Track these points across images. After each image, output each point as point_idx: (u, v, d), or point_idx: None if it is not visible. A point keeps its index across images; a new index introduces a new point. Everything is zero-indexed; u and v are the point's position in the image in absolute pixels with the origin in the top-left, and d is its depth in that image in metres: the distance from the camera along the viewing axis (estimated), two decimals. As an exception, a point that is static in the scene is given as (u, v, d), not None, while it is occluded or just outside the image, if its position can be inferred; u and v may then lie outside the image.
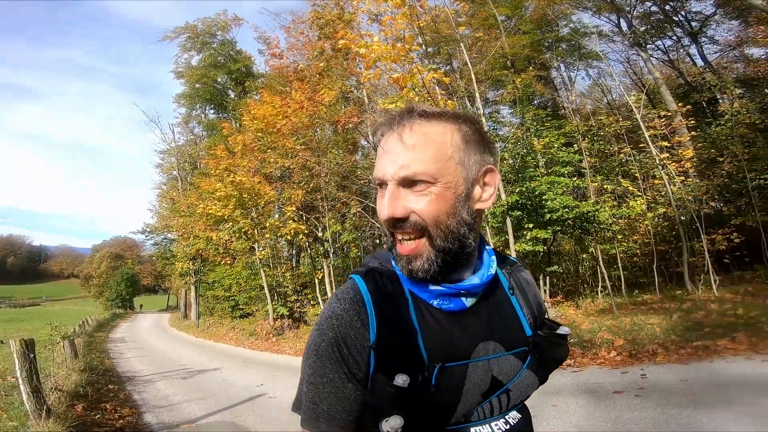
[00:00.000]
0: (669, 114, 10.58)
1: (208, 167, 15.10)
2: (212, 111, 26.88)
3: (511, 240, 8.30)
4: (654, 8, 15.61)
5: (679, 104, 11.68)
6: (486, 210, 0.75)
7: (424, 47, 8.20)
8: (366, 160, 14.30)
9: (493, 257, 0.79)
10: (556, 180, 8.58)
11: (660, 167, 9.65)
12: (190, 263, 21.25)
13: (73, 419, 4.17)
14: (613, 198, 10.25)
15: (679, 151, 10.31)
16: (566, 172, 9.07)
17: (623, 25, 16.00)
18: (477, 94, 9.15)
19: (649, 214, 9.61)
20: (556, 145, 9.47)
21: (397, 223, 0.68)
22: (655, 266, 9.39)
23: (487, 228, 9.26)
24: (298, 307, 13.75)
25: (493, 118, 16.57)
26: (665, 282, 10.01)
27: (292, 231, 12.08)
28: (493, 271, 0.76)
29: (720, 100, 12.33)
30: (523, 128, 10.28)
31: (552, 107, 17.45)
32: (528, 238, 8.42)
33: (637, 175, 10.12)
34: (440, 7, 9.63)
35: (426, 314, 0.71)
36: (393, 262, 0.74)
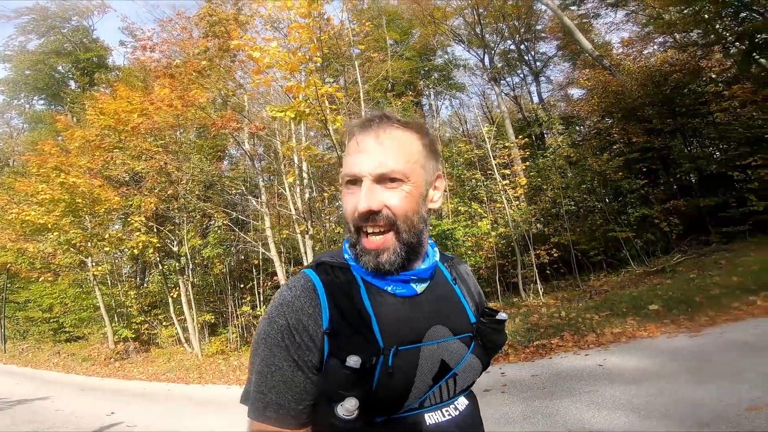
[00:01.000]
0: (509, 145, 12.47)
1: (29, 164, 12.41)
2: (42, 102, 22.64)
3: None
4: (512, 47, 18.57)
5: (519, 137, 13.94)
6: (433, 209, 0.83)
7: (320, 61, 8.30)
8: (235, 170, 13.49)
9: (436, 249, 0.85)
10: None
11: (501, 192, 11.31)
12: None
13: None
14: (466, 218, 11.60)
15: (516, 178, 12.25)
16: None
17: (486, 60, 18.67)
18: (363, 113, 9.52)
19: (493, 233, 11.10)
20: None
21: (370, 216, 0.71)
22: (497, 277, 10.83)
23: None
24: (147, 329, 12.05)
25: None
26: (505, 291, 11.61)
27: (140, 244, 10.57)
28: (437, 258, 0.83)
29: (547, 135, 15.07)
30: None
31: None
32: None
33: (484, 198, 11.64)
34: (343, 23, 9.83)
35: (379, 300, 0.74)
36: (347, 256, 0.78)
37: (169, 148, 10.29)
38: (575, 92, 18.48)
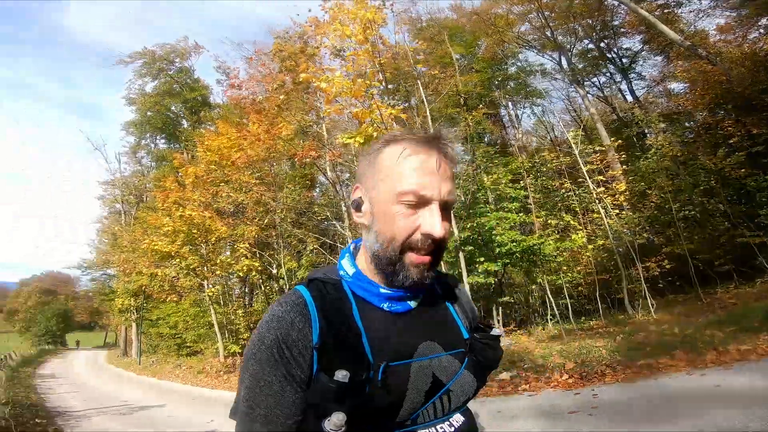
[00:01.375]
0: (603, 149, 11.47)
1: (156, 200, 14.47)
2: (163, 141, 26.03)
3: (464, 273, 8.58)
4: (591, 45, 17.21)
5: (612, 139, 12.75)
6: None
7: (384, 84, 8.54)
8: (324, 197, 14.25)
9: None
10: (505, 215, 9.06)
11: (597, 201, 10.44)
12: (132, 299, 19.99)
13: None
14: (556, 232, 10.91)
15: (613, 184, 11.20)
16: (513, 207, 9.60)
17: (564, 62, 17.51)
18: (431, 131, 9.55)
19: (590, 246, 10.28)
20: (504, 182, 10.02)
21: (429, 241, 0.71)
22: (597, 294, 9.99)
23: (441, 263, 9.55)
24: (252, 345, 13.29)
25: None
26: (608, 308, 10.64)
27: (244, 268, 11.73)
28: (433, 276, 0.81)
29: (647, 135, 13.61)
30: (473, 165, 10.80)
31: (501, 145, 18.50)
32: (480, 270, 8.74)
33: (578, 209, 10.84)
34: (401, 44, 10.03)
35: (370, 315, 0.74)
36: (342, 273, 0.79)
37: (264, 180, 11.25)
38: (675, 86, 16.35)
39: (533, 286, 10.89)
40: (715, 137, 10.61)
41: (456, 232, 8.80)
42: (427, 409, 0.75)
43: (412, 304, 0.78)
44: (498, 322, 9.53)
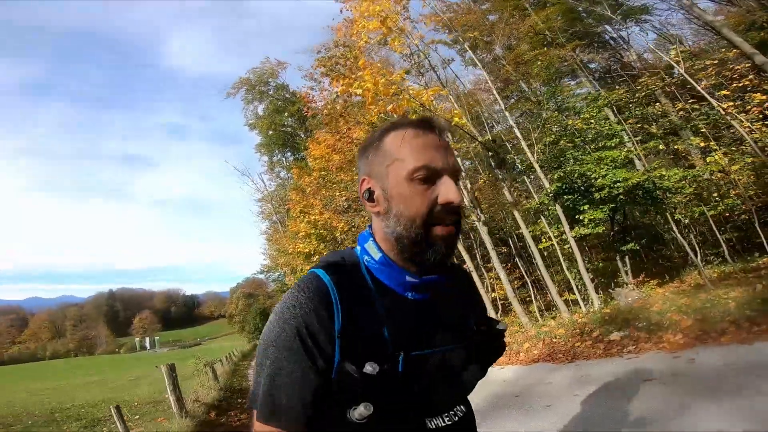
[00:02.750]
0: (730, 55, 9.11)
1: (291, 210, 16.98)
2: (289, 154, 29.22)
3: (566, 227, 8.12)
4: None
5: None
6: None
7: (418, 67, 8.62)
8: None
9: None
10: (604, 155, 8.15)
11: (730, 115, 8.44)
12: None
13: (204, 421, 5.58)
14: (672, 160, 9.22)
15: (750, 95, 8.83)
16: (613, 144, 8.53)
17: None
18: (498, 98, 9.12)
19: (734, 167, 8.45)
20: (595, 118, 8.93)
21: (452, 210, 0.72)
22: (757, 224, 8.22)
23: (543, 219, 9.12)
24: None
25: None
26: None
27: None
28: (449, 267, 0.83)
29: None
30: (549, 110, 9.79)
31: (617, 69, 15.88)
32: (586, 221, 8.11)
33: (704, 129, 8.98)
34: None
35: (390, 303, 0.74)
36: (367, 258, 0.78)
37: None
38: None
39: (667, 227, 9.50)
40: None
41: (546, 184, 8.33)
42: (437, 399, 0.76)
43: (430, 293, 0.78)
44: (626, 273, 8.69)
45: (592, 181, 7.90)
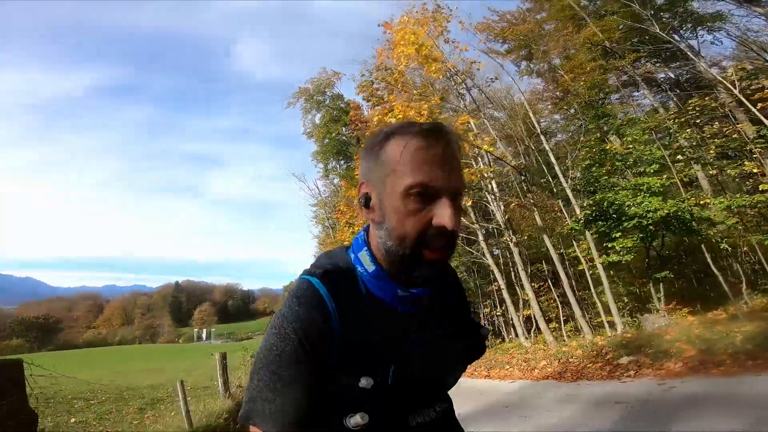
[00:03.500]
0: None
1: (339, 220, 18.27)
2: (343, 162, 30.45)
3: (595, 254, 8.44)
4: None
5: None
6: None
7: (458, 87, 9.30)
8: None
9: None
10: (640, 182, 8.36)
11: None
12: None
13: (241, 402, 6.73)
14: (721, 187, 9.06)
15: None
16: (652, 170, 8.68)
17: None
18: (534, 122, 9.62)
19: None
20: (637, 142, 9.09)
21: (447, 235, 0.69)
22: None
23: (575, 243, 9.46)
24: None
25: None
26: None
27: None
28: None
29: None
30: (588, 135, 10.02)
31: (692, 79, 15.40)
32: (618, 248, 8.36)
33: (756, 151, 8.83)
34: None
35: (383, 316, 0.76)
36: (360, 269, 0.78)
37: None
38: None
39: (712, 255, 9.41)
40: None
41: (578, 210, 8.69)
42: (419, 398, 0.80)
43: (420, 303, 0.79)
44: (659, 300, 8.79)
45: (625, 209, 8.16)
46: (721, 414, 3.57)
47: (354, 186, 17.46)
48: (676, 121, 9.95)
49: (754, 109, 8.98)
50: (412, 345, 0.78)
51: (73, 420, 6.60)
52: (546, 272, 11.61)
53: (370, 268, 0.77)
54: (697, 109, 10.20)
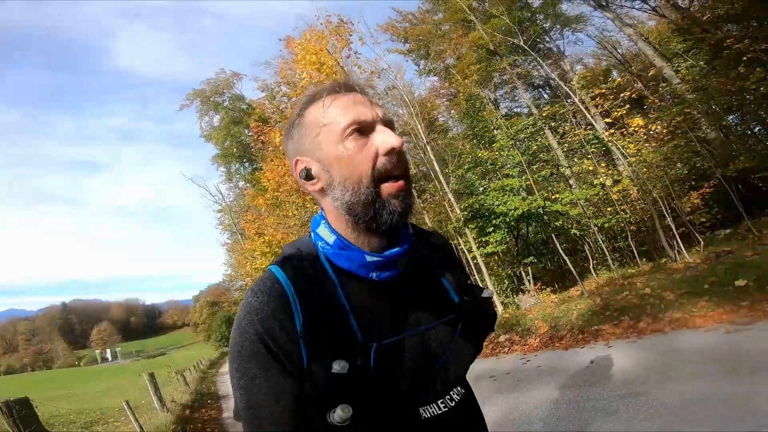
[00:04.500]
0: (611, 88, 11.29)
1: (247, 230, 18.48)
2: (248, 164, 29.97)
3: (474, 246, 10.14)
4: None
5: (618, 78, 12.24)
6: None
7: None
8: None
9: (409, 224, 0.80)
10: (505, 184, 10.20)
11: (610, 141, 10.66)
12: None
13: (180, 417, 7.27)
14: (565, 184, 11.38)
15: (629, 120, 10.85)
16: (515, 172, 10.60)
17: None
18: (419, 129, 11.04)
19: (614, 188, 10.65)
20: (502, 148, 10.99)
21: (396, 157, 0.70)
22: (630, 239, 10.47)
23: (459, 240, 11.14)
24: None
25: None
26: (654, 253, 10.96)
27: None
28: (411, 232, 0.79)
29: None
30: (467, 138, 11.85)
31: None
32: (492, 241, 10.16)
33: (590, 154, 11.12)
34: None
35: (354, 289, 0.71)
36: (322, 243, 0.75)
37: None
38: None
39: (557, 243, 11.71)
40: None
41: (457, 210, 10.33)
42: (428, 386, 0.73)
43: (400, 268, 0.75)
44: (529, 282, 10.83)
45: (494, 209, 9.93)
46: (555, 380, 4.76)
47: (261, 193, 17.80)
48: (533, 126, 12.03)
49: (588, 115, 11.23)
50: (397, 318, 0.73)
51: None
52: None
53: (331, 239, 0.74)
54: (551, 114, 12.47)
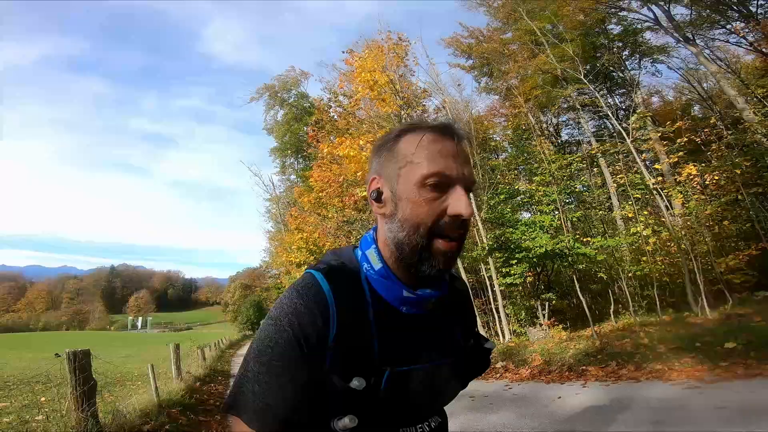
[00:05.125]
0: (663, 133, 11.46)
1: (290, 224, 19.92)
2: (302, 159, 31.58)
3: (495, 277, 10.68)
4: None
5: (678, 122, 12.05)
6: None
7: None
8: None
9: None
10: (536, 220, 10.69)
11: (654, 191, 10.88)
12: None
13: (191, 387, 8.21)
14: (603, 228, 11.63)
15: (683, 168, 10.98)
16: (549, 209, 11.05)
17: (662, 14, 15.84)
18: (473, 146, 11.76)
19: (651, 240, 10.78)
20: (541, 183, 11.45)
21: (461, 223, 0.74)
22: (654, 290, 10.59)
23: (483, 267, 11.71)
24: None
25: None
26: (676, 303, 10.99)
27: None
28: (447, 279, 0.85)
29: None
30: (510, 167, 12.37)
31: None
32: (513, 273, 10.67)
33: (632, 200, 11.24)
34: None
35: (384, 318, 0.78)
36: (367, 266, 0.80)
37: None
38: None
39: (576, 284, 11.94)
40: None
41: (485, 239, 10.91)
42: (419, 413, 0.83)
43: (428, 308, 0.81)
44: (543, 316, 11.22)
45: (520, 243, 10.45)
46: (517, 408, 5.14)
47: (308, 191, 19.09)
48: (580, 162, 12.36)
49: (638, 159, 11.42)
50: (412, 351, 0.80)
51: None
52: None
53: (377, 265, 0.79)
54: (601, 152, 12.73)
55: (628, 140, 11.44)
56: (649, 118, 12.77)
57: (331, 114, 15.99)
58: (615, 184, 12.14)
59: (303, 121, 29.58)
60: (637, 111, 12.83)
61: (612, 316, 11.13)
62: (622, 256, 11.40)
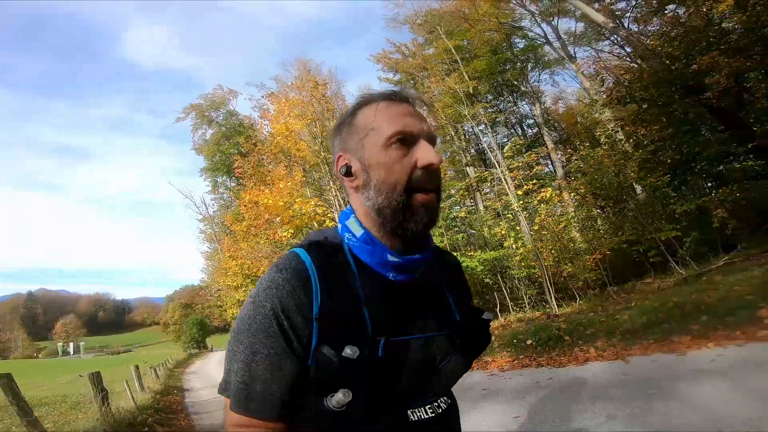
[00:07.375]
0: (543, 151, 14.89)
1: (223, 251, 21.88)
2: (234, 178, 31.50)
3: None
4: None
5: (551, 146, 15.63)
6: None
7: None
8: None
9: (430, 236, 0.88)
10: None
11: (516, 210, 14.25)
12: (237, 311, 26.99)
13: (154, 398, 10.12)
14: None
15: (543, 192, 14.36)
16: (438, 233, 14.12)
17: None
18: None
19: (520, 250, 14.12)
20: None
21: (432, 172, 0.78)
22: (524, 291, 14.04)
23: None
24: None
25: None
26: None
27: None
28: (432, 245, 0.88)
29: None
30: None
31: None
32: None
33: (506, 218, 14.57)
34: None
35: (373, 285, 0.79)
36: (348, 236, 0.83)
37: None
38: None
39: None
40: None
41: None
42: (419, 389, 0.82)
43: (416, 274, 0.83)
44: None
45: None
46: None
47: (239, 220, 20.87)
48: (463, 190, 15.51)
49: (506, 184, 14.71)
50: (406, 321, 0.81)
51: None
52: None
53: (359, 232, 0.81)
54: (481, 179, 15.99)
55: (498, 169, 14.72)
56: (522, 147, 16.08)
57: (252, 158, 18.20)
58: (483, 209, 15.36)
59: (233, 140, 30.46)
60: (512, 140, 16.13)
61: (499, 315, 14.40)
62: (507, 265, 14.63)
